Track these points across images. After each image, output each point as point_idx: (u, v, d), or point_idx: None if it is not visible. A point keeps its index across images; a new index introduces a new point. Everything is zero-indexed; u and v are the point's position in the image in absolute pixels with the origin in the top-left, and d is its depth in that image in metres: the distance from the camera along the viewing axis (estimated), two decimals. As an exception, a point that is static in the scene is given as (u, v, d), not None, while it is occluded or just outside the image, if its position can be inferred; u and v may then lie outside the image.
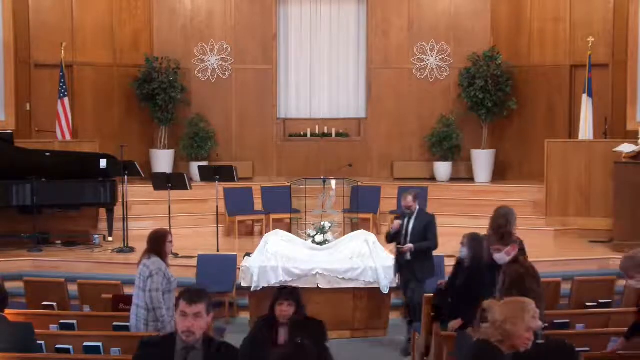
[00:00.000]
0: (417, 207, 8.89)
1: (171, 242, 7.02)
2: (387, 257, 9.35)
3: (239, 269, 9.61)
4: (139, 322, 6.82)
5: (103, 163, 11.75)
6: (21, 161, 11.52)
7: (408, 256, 8.71)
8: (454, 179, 15.01)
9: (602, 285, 8.62)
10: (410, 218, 8.81)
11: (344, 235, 10.69)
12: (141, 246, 11.54)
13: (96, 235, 12.14)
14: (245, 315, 9.72)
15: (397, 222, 8.85)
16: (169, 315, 6.75)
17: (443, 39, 15.36)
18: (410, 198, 8.87)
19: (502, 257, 6.05)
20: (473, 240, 7.14)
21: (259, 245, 9.83)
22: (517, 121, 15.14)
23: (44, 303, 8.22)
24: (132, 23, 15.08)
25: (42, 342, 6.36)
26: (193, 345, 4.13)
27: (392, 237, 8.96)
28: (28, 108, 13.78)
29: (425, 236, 8.73)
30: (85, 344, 6.43)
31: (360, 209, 12.74)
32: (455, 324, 6.89)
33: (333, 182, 11.74)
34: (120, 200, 11.93)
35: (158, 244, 6.92)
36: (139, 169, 11.94)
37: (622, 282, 8.85)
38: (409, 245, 8.64)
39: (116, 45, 14.87)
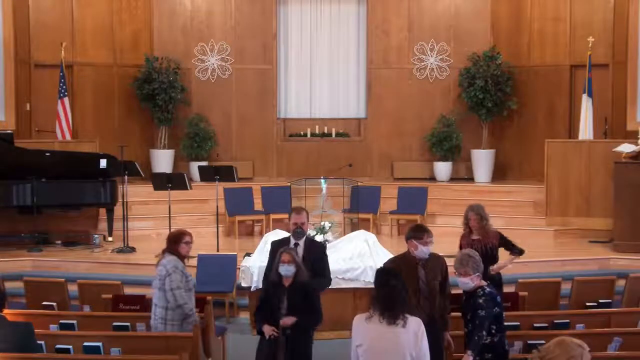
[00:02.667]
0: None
1: (188, 243, 7.00)
2: (387, 256, 9.34)
3: (239, 269, 9.62)
4: (157, 322, 6.85)
5: (103, 163, 11.74)
6: (21, 161, 11.52)
7: None
8: (454, 179, 15.01)
9: (602, 285, 8.61)
10: (296, 246, 7.16)
11: (344, 235, 10.70)
12: (141, 246, 11.71)
13: (96, 235, 12.14)
14: (245, 316, 9.72)
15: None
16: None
17: (443, 39, 15.36)
18: (305, 214, 7.32)
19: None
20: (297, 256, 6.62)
21: (259, 245, 9.83)
22: (517, 121, 15.14)
23: (44, 303, 8.22)
24: (132, 23, 15.07)
25: (42, 342, 6.37)
26: None
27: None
28: (28, 108, 13.77)
29: (318, 271, 7.12)
30: (85, 344, 6.43)
31: (360, 209, 12.74)
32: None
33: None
34: (120, 200, 11.94)
35: (174, 244, 6.95)
36: (139, 169, 11.94)
37: (622, 282, 8.88)
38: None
39: (116, 45, 14.86)
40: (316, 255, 7.21)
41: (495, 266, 7.61)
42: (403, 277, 6.29)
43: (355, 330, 5.21)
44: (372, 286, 9.11)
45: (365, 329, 5.14)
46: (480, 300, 5.77)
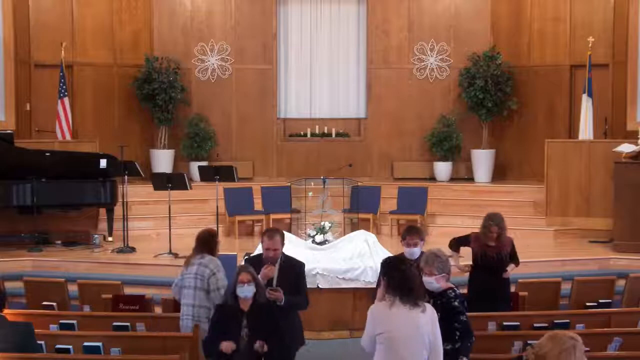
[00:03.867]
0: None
1: (218, 242, 7.16)
2: (387, 256, 9.34)
3: (239, 269, 9.59)
4: (199, 322, 6.77)
5: (103, 163, 11.74)
6: (21, 161, 11.52)
7: None
8: (454, 179, 15.01)
9: (602, 285, 8.62)
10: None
11: (344, 235, 10.70)
12: (141, 246, 11.70)
13: (96, 235, 12.13)
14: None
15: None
16: None
17: (443, 39, 15.36)
18: (278, 239, 6.55)
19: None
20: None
21: (259, 246, 9.82)
22: (517, 121, 15.14)
23: (44, 303, 8.22)
24: (132, 23, 15.07)
25: (42, 342, 6.36)
26: None
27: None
28: (28, 108, 13.77)
29: (296, 290, 6.54)
30: (85, 344, 6.43)
31: (360, 209, 12.74)
32: None
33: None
34: (120, 200, 11.93)
35: (210, 243, 7.00)
36: (139, 169, 11.93)
37: (622, 282, 8.88)
38: (280, 294, 6.30)
39: (116, 45, 14.86)
40: (292, 275, 6.55)
41: (510, 269, 7.75)
42: None
43: (375, 319, 5.23)
44: (372, 286, 9.23)
45: (388, 315, 5.17)
46: (456, 303, 5.66)
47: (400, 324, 5.14)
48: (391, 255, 8.87)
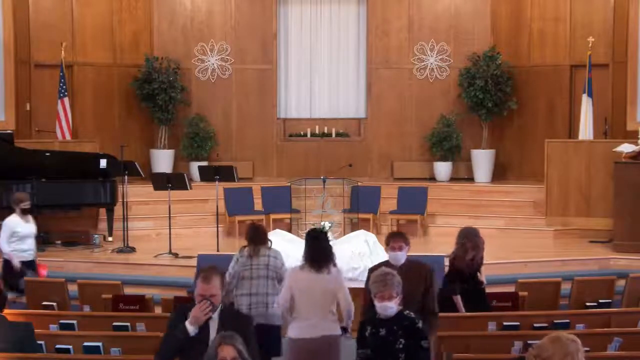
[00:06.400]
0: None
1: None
2: (387, 256, 9.31)
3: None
4: (269, 308, 7.11)
5: (103, 163, 11.75)
6: (21, 161, 11.52)
7: None
8: (454, 179, 15.01)
9: (602, 285, 8.60)
10: (209, 319, 4.88)
11: (344, 235, 10.70)
12: (141, 246, 11.69)
13: (96, 235, 12.14)
14: (245, 315, 9.70)
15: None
16: None
17: (443, 39, 15.36)
18: (217, 281, 4.91)
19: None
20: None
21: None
22: (517, 121, 15.14)
23: (44, 303, 8.22)
24: (132, 23, 15.07)
25: (42, 342, 6.36)
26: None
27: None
28: (28, 108, 13.78)
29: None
30: (85, 344, 6.43)
31: (360, 209, 12.73)
32: None
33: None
34: (120, 200, 11.94)
35: (266, 237, 7.50)
36: (139, 169, 11.94)
37: (622, 282, 8.88)
38: None
39: (116, 45, 14.86)
40: (241, 324, 4.91)
41: (482, 270, 7.70)
42: None
43: (292, 278, 6.43)
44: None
45: (301, 275, 6.37)
46: (421, 325, 5.03)
47: (311, 280, 6.28)
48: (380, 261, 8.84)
